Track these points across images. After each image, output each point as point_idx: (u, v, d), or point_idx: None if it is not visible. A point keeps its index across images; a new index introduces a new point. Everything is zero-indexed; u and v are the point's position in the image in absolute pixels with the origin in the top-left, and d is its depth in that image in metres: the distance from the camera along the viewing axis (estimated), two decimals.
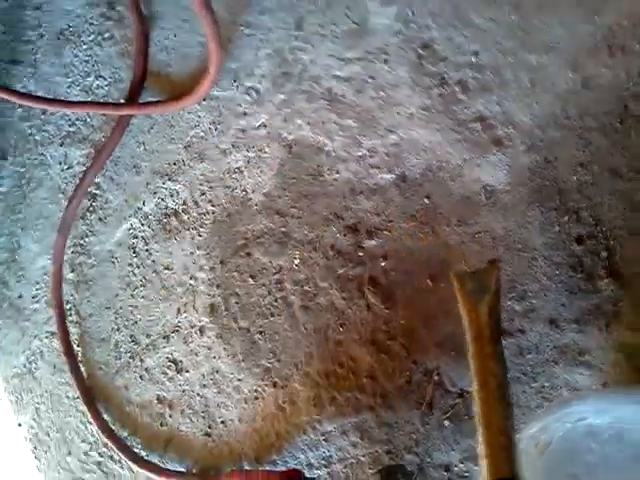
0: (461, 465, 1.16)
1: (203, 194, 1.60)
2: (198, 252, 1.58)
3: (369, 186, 1.28)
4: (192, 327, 1.55)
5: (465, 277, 0.98)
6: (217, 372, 1.47)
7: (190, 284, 1.57)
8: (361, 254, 1.27)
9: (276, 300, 1.40)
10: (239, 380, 1.42)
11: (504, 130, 1.15)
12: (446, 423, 1.15)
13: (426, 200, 1.21)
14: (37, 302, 1.80)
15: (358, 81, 1.35)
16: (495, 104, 1.16)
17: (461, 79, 1.20)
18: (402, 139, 1.25)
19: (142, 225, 1.72)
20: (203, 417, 1.46)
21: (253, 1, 1.56)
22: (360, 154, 1.31)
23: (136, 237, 1.73)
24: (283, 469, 1.27)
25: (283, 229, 1.41)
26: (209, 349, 1.50)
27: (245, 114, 1.55)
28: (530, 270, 1.13)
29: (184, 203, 1.63)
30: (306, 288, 1.35)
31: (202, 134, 1.64)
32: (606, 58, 1.08)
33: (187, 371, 1.54)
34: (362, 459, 1.22)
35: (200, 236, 1.59)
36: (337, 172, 1.33)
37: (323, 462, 1.27)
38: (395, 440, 1.19)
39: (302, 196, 1.39)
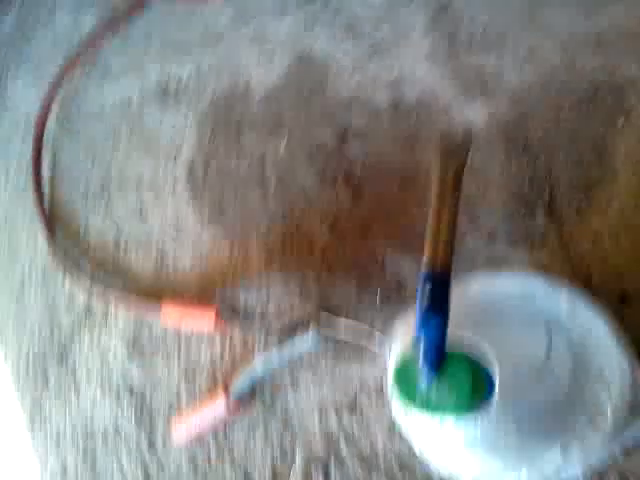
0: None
1: (208, 77, 1.76)
2: (190, 122, 1.72)
3: (366, 102, 1.50)
4: (166, 182, 1.66)
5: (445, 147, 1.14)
6: (181, 224, 1.59)
7: (177, 145, 1.68)
8: (342, 154, 1.48)
9: (253, 177, 1.56)
10: (199, 235, 1.55)
11: (494, 84, 1.39)
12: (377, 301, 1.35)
13: (412, 124, 1.45)
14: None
15: (378, 20, 1.58)
16: (493, 62, 1.41)
17: (469, 37, 1.45)
18: (405, 70, 1.48)
19: (141, 93, 1.83)
20: (155, 260, 1.57)
21: None
22: (365, 74, 1.53)
23: (131, 104, 1.83)
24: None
25: (277, 120, 1.59)
26: (177, 204, 1.62)
27: (268, 17, 1.73)
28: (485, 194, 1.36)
29: (188, 81, 1.77)
30: (284, 170, 1.53)
31: (221, 26, 1.80)
32: (595, 49, 1.33)
33: (152, 218, 1.64)
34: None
35: (196, 110, 1.73)
36: (340, 84, 1.54)
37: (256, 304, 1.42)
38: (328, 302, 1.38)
39: (303, 99, 1.58)
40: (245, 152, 1.62)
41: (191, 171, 1.65)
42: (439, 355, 0.67)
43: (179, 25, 1.87)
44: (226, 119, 1.68)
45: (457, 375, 0.68)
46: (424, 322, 0.69)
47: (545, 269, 1.22)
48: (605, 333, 0.78)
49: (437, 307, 0.70)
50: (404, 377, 0.70)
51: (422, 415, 0.69)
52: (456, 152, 1.06)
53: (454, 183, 0.96)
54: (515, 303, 0.86)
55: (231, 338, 1.40)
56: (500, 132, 1.35)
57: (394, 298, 1.36)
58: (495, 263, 1.25)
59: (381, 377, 1.21)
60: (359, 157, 1.50)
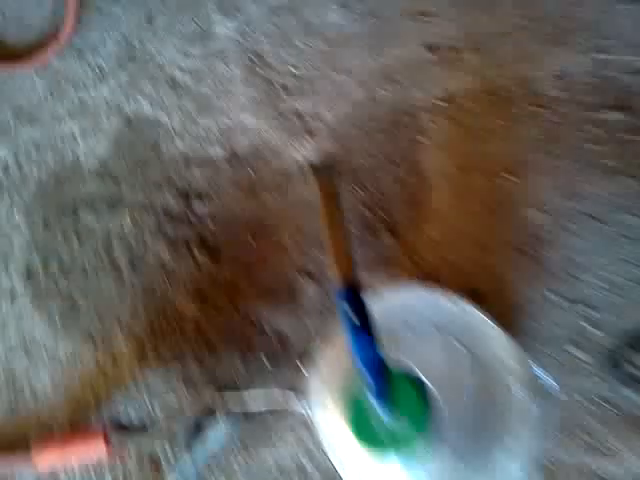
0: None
1: (29, 157, 1.49)
2: (17, 217, 1.45)
3: (202, 158, 1.34)
4: (1, 295, 1.38)
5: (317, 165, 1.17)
6: (30, 341, 1.33)
7: (3, 251, 1.41)
8: (190, 217, 1.31)
9: (102, 261, 1.35)
10: (56, 346, 1.31)
11: (314, 124, 1.33)
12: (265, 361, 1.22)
13: (251, 172, 1.32)
14: None
15: (199, 73, 1.42)
16: (309, 104, 1.37)
17: (284, 83, 1.38)
18: (233, 122, 1.36)
19: None
20: (7, 393, 1.30)
21: None
22: (196, 131, 1.37)
23: None
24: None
25: (115, 193, 1.38)
26: (21, 318, 1.36)
27: (85, 86, 1.51)
28: None
29: (5, 166, 1.50)
30: (135, 248, 1.33)
31: (35, 101, 1.54)
32: (385, 84, 1.36)
33: None
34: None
35: (21, 199, 1.46)
36: (173, 145, 1.36)
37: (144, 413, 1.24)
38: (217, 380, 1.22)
39: (137, 164, 1.39)
40: (87, 235, 1.38)
41: (29, 275, 1.38)
42: (384, 374, 0.58)
43: None
44: (58, 202, 1.43)
45: (405, 395, 0.59)
46: (358, 343, 0.61)
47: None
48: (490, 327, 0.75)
49: (365, 323, 0.63)
50: (360, 423, 0.60)
51: (394, 457, 0.58)
52: (326, 168, 1.22)
53: (336, 196, 1.00)
54: (411, 316, 0.80)
55: (132, 460, 1.17)
56: None
57: (281, 354, 1.26)
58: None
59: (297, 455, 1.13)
60: (207, 216, 1.33)
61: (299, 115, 1.39)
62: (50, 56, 1.52)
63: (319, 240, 1.22)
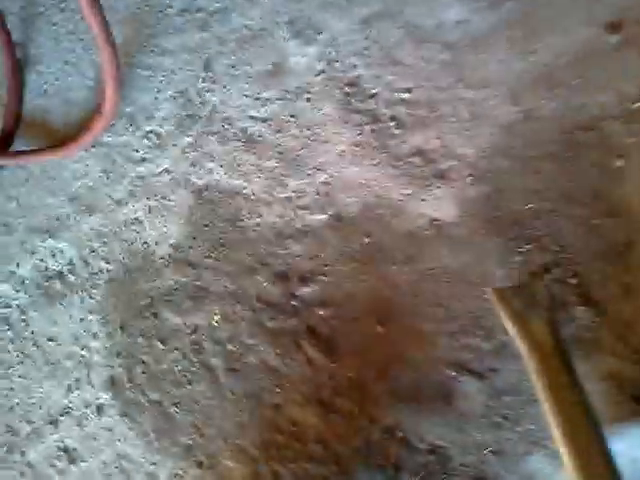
0: None
1: (93, 251, 1.28)
2: (91, 317, 1.25)
3: (299, 228, 1.07)
4: (87, 406, 1.18)
5: (507, 292, 0.78)
6: (123, 457, 1.11)
7: (82, 355, 1.21)
8: (294, 303, 1.05)
9: (193, 364, 1.11)
10: (153, 464, 1.08)
11: (447, 163, 1.01)
12: None
13: (366, 239, 1.03)
14: None
15: (278, 120, 1.15)
16: (434, 138, 1.03)
17: (394, 115, 1.06)
18: (333, 177, 1.07)
19: (17, 292, 1.34)
20: None
21: (151, 42, 1.32)
22: (285, 195, 1.10)
23: (9, 306, 1.34)
24: None
25: (197, 282, 1.15)
26: (110, 430, 1.14)
27: (144, 160, 1.28)
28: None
29: (70, 263, 1.30)
30: (230, 347, 1.08)
31: (91, 184, 1.33)
32: (546, 92, 0.99)
33: (83, 460, 1.16)
34: None
35: (92, 299, 1.26)
36: (259, 216, 1.11)
37: None
38: None
39: (218, 245, 1.14)
40: (171, 337, 1.15)
41: (113, 384, 1.16)
42: None
43: (40, 197, 1.38)
44: (133, 301, 1.21)
45: None
46: None
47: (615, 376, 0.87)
48: None
49: None
50: None
51: None
52: (532, 299, 0.81)
53: (555, 347, 0.73)
54: None
55: None
56: (478, 219, 0.98)
57: (434, 468, 0.96)
58: None
59: None
60: (315, 301, 1.05)
61: (422, 154, 1.08)
62: (98, 133, 1.30)
63: (473, 321, 0.92)
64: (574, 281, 0.91)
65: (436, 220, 1.01)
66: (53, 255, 1.36)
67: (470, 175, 1.01)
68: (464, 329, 0.96)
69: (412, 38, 1.09)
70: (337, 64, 1.14)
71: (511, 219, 0.96)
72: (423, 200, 1.02)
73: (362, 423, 1.01)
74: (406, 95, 1.08)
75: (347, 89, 1.13)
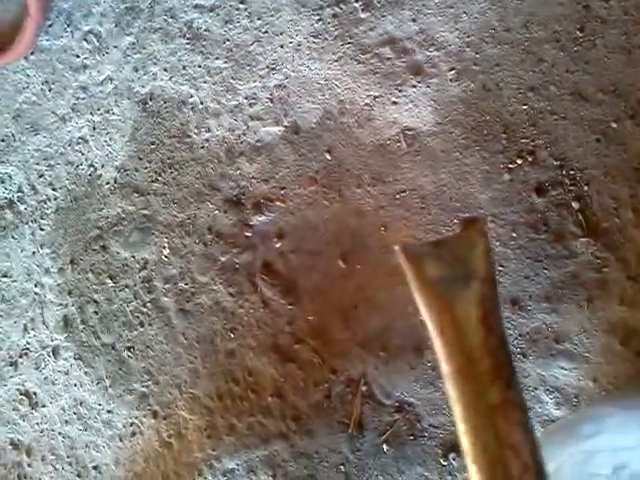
0: None
1: (41, 176, 1.17)
2: (42, 251, 1.15)
3: (251, 144, 0.90)
4: (44, 348, 1.12)
5: (424, 254, 0.51)
6: (81, 404, 1.06)
7: (36, 293, 1.13)
8: (249, 234, 0.91)
9: (145, 305, 1.00)
10: (109, 412, 1.02)
11: (424, 53, 0.81)
12: (384, 447, 0.80)
13: (327, 155, 0.86)
14: None
15: (226, 9, 0.94)
16: (409, 20, 0.82)
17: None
18: (288, 78, 0.88)
19: None
20: (69, 463, 1.05)
21: None
22: (236, 103, 0.92)
23: None
24: None
25: (145, 211, 1.01)
26: (67, 374, 1.07)
27: (85, 67, 1.13)
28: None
29: (19, 190, 1.18)
30: (182, 285, 0.96)
31: (34, 98, 1.19)
32: None
33: (44, 405, 1.11)
34: None
35: (42, 230, 1.16)
36: (208, 130, 0.95)
37: None
38: (319, 475, 0.83)
39: (165, 166, 1.00)
40: (121, 273, 1.04)
41: (67, 325, 1.11)
42: None
43: None
44: (82, 233, 1.16)
45: None
46: None
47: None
48: None
49: None
50: None
51: None
52: (463, 266, 0.52)
53: (491, 346, 0.48)
54: None
55: None
56: (460, 127, 0.85)
57: (409, 436, 0.86)
58: (539, 343, 0.69)
59: None
60: (272, 230, 0.93)
61: (394, 43, 0.87)
62: (32, 36, 1.14)
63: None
64: (576, 205, 0.72)
65: (409, 129, 0.82)
66: (2, 182, 1.24)
67: (452, 69, 0.80)
68: None
69: None
70: None
71: (501, 125, 0.76)
72: (394, 103, 0.83)
73: (323, 375, 0.88)
74: None
75: None
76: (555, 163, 0.75)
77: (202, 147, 1.02)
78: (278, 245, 0.94)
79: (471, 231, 0.51)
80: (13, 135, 1.27)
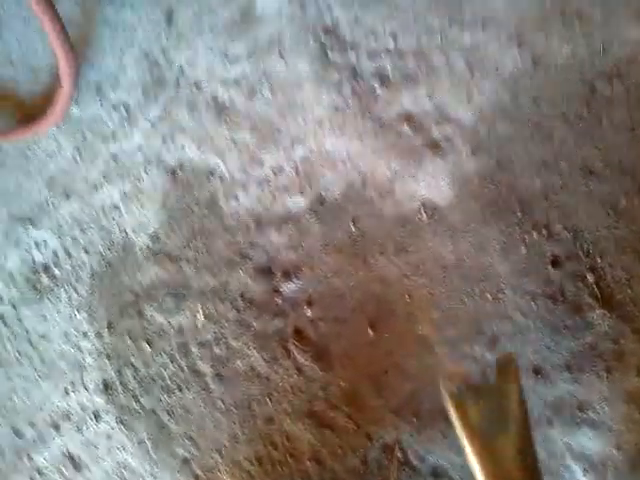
0: None
1: (75, 240, 1.21)
2: (78, 315, 1.21)
3: (279, 214, 0.95)
4: (85, 411, 1.18)
5: (467, 400, 0.64)
6: (124, 467, 1.11)
7: (74, 356, 1.18)
8: (279, 301, 0.94)
9: (182, 369, 1.05)
10: (152, 476, 1.05)
11: (440, 130, 0.83)
12: None
13: (352, 225, 0.90)
14: None
15: (249, 82, 0.99)
16: (425, 97, 0.85)
17: (378, 69, 0.88)
18: (312, 151, 0.93)
19: (7, 287, 1.31)
20: None
21: None
22: (262, 174, 0.97)
23: (2, 302, 1.32)
24: None
25: (178, 278, 1.06)
26: (109, 438, 1.12)
27: (115, 136, 1.19)
28: (498, 305, 0.82)
29: (54, 254, 1.24)
30: (217, 351, 1.00)
31: (66, 165, 1.25)
32: (560, 29, 0.77)
33: (88, 468, 1.16)
34: None
35: (78, 294, 1.21)
36: (236, 199, 1.00)
37: None
38: None
39: (196, 233, 1.05)
40: (158, 337, 1.10)
41: (106, 388, 1.16)
42: None
43: (17, 180, 1.32)
44: (118, 298, 1.21)
45: None
46: None
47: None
48: None
49: None
50: None
51: None
52: (500, 410, 0.63)
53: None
54: None
55: None
56: (477, 201, 0.86)
57: None
58: (563, 411, 0.70)
59: None
60: (301, 297, 0.99)
61: (411, 119, 0.91)
62: (64, 107, 1.20)
63: (474, 326, 0.78)
64: (591, 277, 0.75)
65: (429, 202, 0.86)
66: (37, 246, 1.32)
67: (467, 144, 0.83)
68: (464, 336, 0.82)
69: None
70: (310, 6, 0.95)
71: (516, 199, 0.80)
72: (414, 177, 0.87)
73: (359, 440, 0.92)
74: (390, 43, 0.89)
75: (323, 38, 0.95)
76: (569, 236, 0.79)
77: (231, 216, 1.07)
78: (307, 312, 0.98)
79: (506, 377, 0.60)
80: (46, 200, 1.34)
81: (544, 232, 0.81)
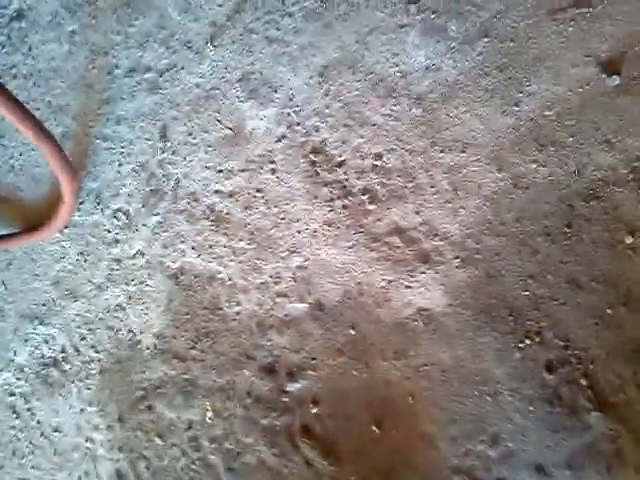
0: None
1: (83, 338, 1.29)
2: (89, 409, 1.28)
3: (280, 318, 1.04)
4: None
5: None
6: None
7: (87, 447, 1.25)
8: (285, 399, 1.03)
9: (193, 462, 1.13)
10: None
11: (430, 242, 0.94)
12: None
13: (351, 330, 0.99)
14: None
15: (243, 195, 1.09)
16: (413, 213, 0.95)
17: (366, 186, 0.98)
18: (308, 260, 1.02)
19: (18, 380, 1.38)
20: None
21: (106, 110, 1.25)
22: (262, 281, 1.06)
23: (13, 394, 1.38)
24: None
25: (186, 376, 1.14)
26: None
27: (117, 241, 1.27)
28: (497, 407, 0.91)
29: (62, 350, 1.31)
30: (227, 445, 1.08)
31: (70, 267, 1.33)
32: (536, 152, 0.88)
33: None
34: None
35: (88, 389, 1.28)
36: (238, 304, 1.08)
37: None
38: None
39: (201, 335, 1.13)
40: (169, 432, 1.17)
41: (119, 477, 1.20)
42: None
43: (25, 281, 1.39)
44: (128, 393, 1.28)
45: None
46: None
47: None
48: None
49: None
50: None
51: None
52: None
53: None
54: None
55: None
56: (470, 309, 0.96)
57: None
58: None
59: None
60: (306, 395, 1.08)
61: (401, 232, 1.01)
62: (67, 218, 1.28)
63: (475, 424, 0.87)
64: (585, 382, 0.84)
65: (424, 310, 0.95)
66: (46, 342, 1.38)
67: (456, 257, 0.94)
68: (466, 434, 0.91)
69: (376, 92, 0.99)
70: (298, 127, 1.07)
71: (506, 308, 0.89)
72: (408, 287, 0.96)
73: None
74: (377, 161, 0.99)
75: (312, 157, 1.06)
76: (560, 343, 0.88)
77: (234, 319, 1.15)
78: (314, 410, 1.07)
79: None
80: (53, 300, 1.41)
81: (537, 339, 0.90)
